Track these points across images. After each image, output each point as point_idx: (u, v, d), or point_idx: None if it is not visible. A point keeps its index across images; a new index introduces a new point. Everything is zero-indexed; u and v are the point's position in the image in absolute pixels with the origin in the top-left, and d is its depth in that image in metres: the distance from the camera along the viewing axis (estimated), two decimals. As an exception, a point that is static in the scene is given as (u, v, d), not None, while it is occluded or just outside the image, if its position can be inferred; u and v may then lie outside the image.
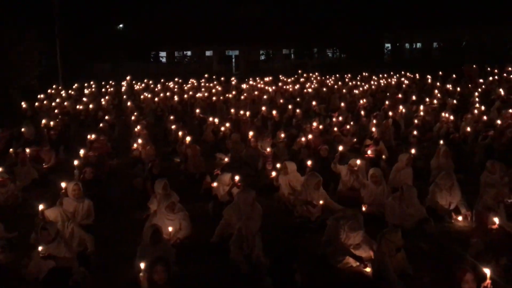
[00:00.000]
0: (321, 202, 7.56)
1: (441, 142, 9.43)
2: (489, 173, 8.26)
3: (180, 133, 12.00)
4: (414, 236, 6.82)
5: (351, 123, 13.91)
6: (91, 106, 17.22)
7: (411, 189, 7.28)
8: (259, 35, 45.01)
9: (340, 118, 14.59)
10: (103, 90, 24.37)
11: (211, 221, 7.52)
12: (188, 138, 10.86)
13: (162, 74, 33.53)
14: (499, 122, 11.82)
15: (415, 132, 11.70)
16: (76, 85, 25.79)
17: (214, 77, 28.99)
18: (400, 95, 17.76)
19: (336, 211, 7.27)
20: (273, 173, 9.27)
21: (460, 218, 7.55)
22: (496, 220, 5.62)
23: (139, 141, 11.54)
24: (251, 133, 11.50)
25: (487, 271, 4.40)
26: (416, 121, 12.82)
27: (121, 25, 46.02)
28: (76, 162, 9.16)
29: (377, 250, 5.70)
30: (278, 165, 9.28)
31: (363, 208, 7.89)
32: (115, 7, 41.45)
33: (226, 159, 11.80)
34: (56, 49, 27.65)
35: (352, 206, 8.25)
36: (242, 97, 19.79)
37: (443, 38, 40.01)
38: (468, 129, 11.48)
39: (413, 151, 9.06)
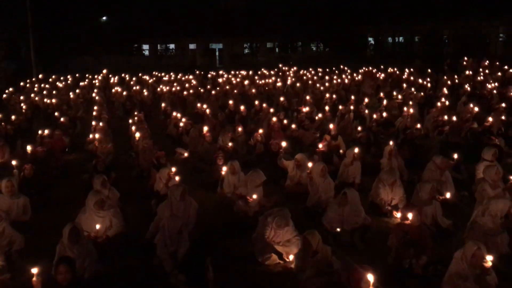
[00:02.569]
0: (254, 196, 7.49)
1: (391, 142, 9.33)
2: (434, 168, 8.23)
3: (133, 128, 11.84)
4: (351, 236, 6.73)
5: (316, 117, 13.84)
6: (54, 100, 16.90)
7: (353, 193, 6.92)
8: (243, 28, 44.72)
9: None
10: (81, 83, 23.97)
11: (154, 217, 7.43)
12: (137, 134, 10.67)
13: (144, 67, 33.24)
14: (454, 118, 11.76)
15: (359, 128, 11.65)
16: (53, 77, 25.46)
17: (201, 71, 28.99)
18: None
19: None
20: (224, 168, 9.16)
21: (399, 215, 7.51)
22: (410, 215, 5.57)
23: (96, 136, 11.40)
24: (205, 128, 11.39)
25: (370, 277, 4.34)
26: (374, 116, 12.72)
27: (104, 18, 45.39)
28: (14, 162, 8.96)
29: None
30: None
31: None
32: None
33: (186, 154, 11.74)
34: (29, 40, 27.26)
35: (300, 201, 8.24)
36: (213, 91, 19.59)
37: (424, 31, 39.95)
38: (417, 126, 11.44)
39: (356, 150, 8.89)
